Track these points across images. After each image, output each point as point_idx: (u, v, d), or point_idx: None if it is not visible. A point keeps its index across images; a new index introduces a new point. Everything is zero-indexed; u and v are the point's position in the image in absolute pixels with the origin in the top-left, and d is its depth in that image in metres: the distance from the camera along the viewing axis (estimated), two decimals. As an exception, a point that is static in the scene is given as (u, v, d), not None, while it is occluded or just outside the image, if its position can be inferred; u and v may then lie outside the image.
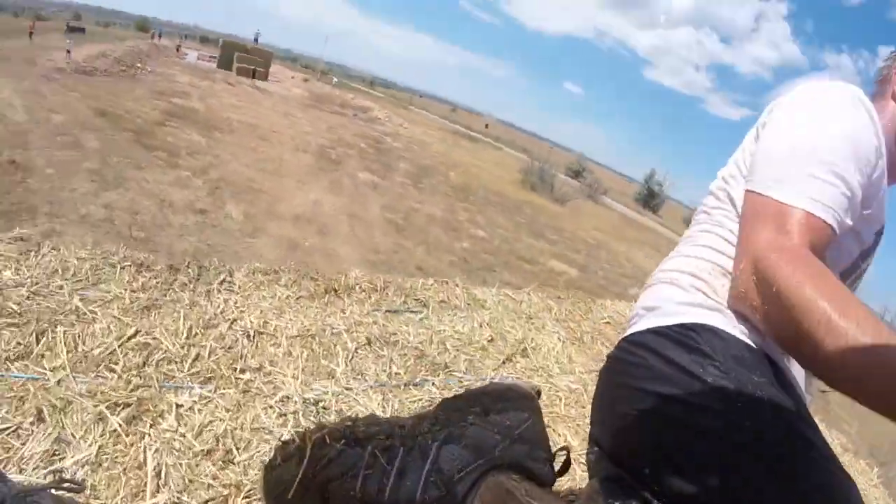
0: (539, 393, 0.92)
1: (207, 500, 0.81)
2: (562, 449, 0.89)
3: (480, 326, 1.49)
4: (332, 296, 1.44)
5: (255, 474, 0.86)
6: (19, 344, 0.98)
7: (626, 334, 0.92)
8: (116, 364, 1.00)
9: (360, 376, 1.14)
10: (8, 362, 0.94)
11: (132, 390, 0.95)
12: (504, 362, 1.37)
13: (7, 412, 0.85)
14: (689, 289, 0.84)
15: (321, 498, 0.74)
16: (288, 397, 1.03)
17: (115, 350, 1.02)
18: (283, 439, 0.82)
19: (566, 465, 0.92)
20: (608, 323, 2.09)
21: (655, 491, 0.76)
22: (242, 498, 0.83)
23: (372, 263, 7.44)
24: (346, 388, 1.09)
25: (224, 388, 1.02)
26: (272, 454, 0.78)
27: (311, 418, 1.00)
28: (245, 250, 6.21)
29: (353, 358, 1.19)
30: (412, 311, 1.47)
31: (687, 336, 0.77)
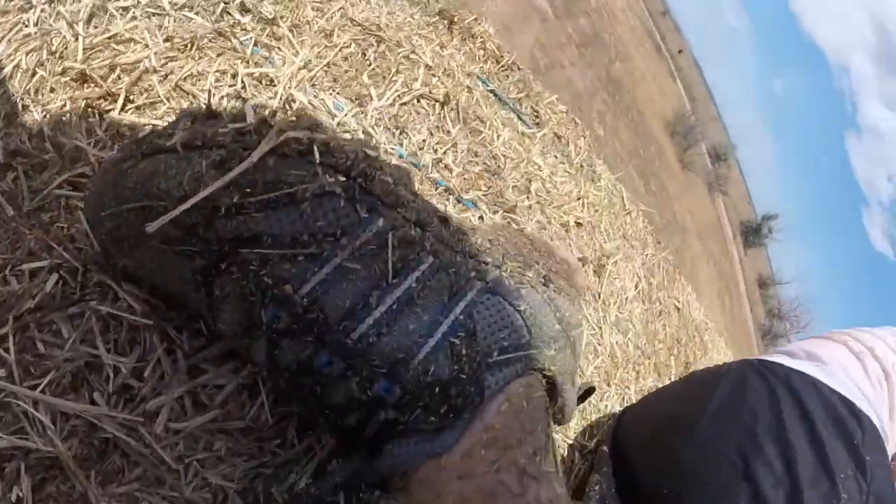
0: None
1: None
2: (589, 390, 0.59)
3: (579, 200, 1.04)
4: (444, 24, 0.97)
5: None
6: None
7: (771, 359, 0.67)
8: None
9: (396, 132, 0.70)
10: None
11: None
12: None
13: None
14: (873, 380, 0.65)
15: (212, 255, 0.34)
16: (272, 82, 0.60)
17: None
18: (212, 107, 0.36)
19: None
20: (677, 308, 1.68)
21: None
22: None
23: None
24: (365, 132, 0.66)
25: (198, 12, 0.60)
26: (168, 127, 0.36)
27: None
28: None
29: (407, 103, 0.74)
30: (520, 117, 1.00)
31: (852, 424, 0.58)
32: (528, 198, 0.85)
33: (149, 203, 0.33)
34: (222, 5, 0.62)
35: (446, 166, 0.73)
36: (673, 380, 1.36)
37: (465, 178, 0.75)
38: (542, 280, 0.45)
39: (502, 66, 1.04)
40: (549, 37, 9.91)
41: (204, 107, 0.35)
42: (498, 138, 0.85)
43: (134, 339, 0.41)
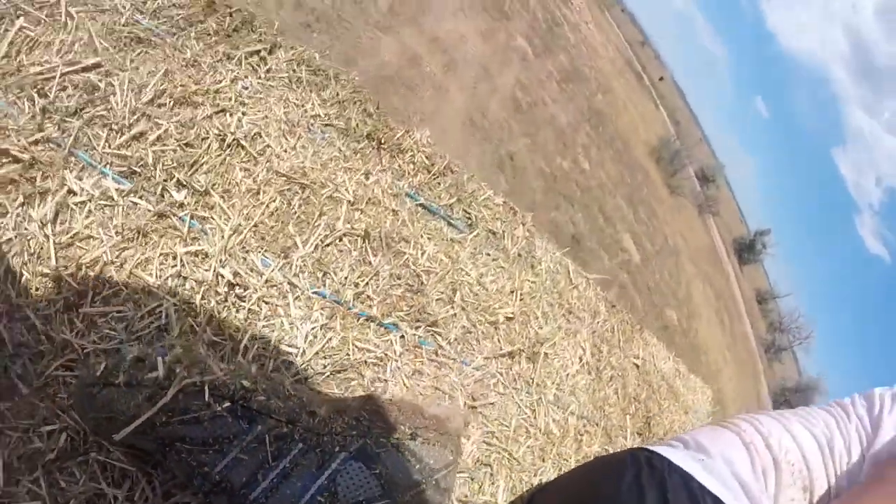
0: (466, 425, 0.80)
1: None
2: None
3: (511, 293, 1.12)
4: (372, 147, 1.06)
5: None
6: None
7: (659, 450, 0.72)
8: (45, 96, 0.71)
9: (320, 274, 0.80)
10: None
11: (35, 142, 0.67)
12: (504, 356, 1.02)
13: None
14: (758, 472, 0.68)
15: (158, 444, 0.56)
16: (206, 255, 0.72)
17: (57, 76, 0.72)
18: (138, 353, 0.56)
19: None
20: (635, 366, 1.75)
21: None
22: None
23: (471, 123, 7.02)
24: (291, 283, 0.76)
25: (142, 195, 0.71)
26: (112, 363, 0.55)
27: (214, 300, 0.70)
28: (365, 38, 5.80)
29: (330, 244, 0.84)
30: (451, 223, 1.09)
31: None
32: (452, 307, 0.94)
33: (113, 415, 0.53)
34: (162, 185, 0.73)
35: (368, 297, 0.82)
36: (628, 439, 1.43)
37: (386, 303, 0.84)
38: (410, 436, 0.62)
39: (434, 174, 1.14)
40: (530, 75, 10.15)
41: (133, 359, 0.54)
42: (423, 255, 0.95)
43: (125, 474, 0.61)
